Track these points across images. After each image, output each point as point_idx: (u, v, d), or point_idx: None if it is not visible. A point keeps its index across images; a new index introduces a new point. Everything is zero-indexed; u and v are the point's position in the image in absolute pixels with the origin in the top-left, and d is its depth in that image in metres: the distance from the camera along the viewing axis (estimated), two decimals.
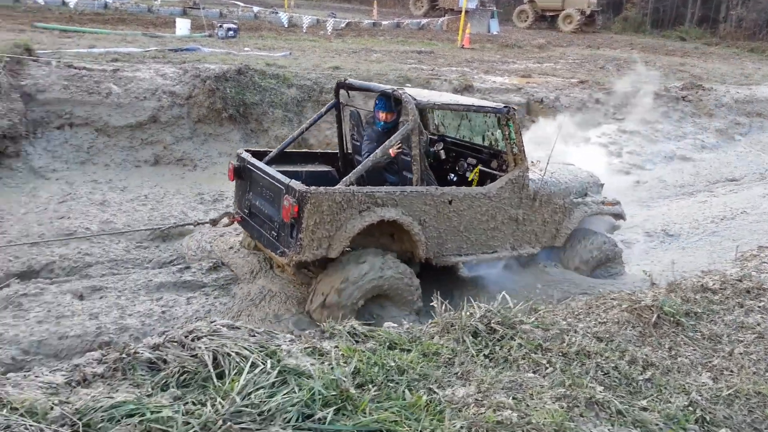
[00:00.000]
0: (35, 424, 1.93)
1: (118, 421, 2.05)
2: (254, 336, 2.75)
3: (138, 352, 2.52)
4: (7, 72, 7.60)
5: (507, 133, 5.09)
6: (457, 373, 2.58)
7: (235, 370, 2.41)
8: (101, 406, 2.12)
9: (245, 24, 15.76)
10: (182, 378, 2.39)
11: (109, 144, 7.80)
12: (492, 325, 2.88)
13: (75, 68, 8.32)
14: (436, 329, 2.89)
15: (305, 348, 2.63)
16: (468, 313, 2.92)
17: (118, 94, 7.95)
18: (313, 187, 4.32)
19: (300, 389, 2.28)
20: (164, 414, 2.11)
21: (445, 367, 2.62)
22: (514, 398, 2.45)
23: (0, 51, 7.97)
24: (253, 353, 2.53)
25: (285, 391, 2.28)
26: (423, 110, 5.46)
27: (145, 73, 8.41)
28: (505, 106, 5.08)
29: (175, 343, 2.62)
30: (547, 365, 2.83)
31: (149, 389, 2.31)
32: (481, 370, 2.63)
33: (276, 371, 2.40)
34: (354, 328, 2.84)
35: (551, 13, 29.01)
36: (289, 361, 2.53)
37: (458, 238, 4.98)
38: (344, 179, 4.56)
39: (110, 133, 7.83)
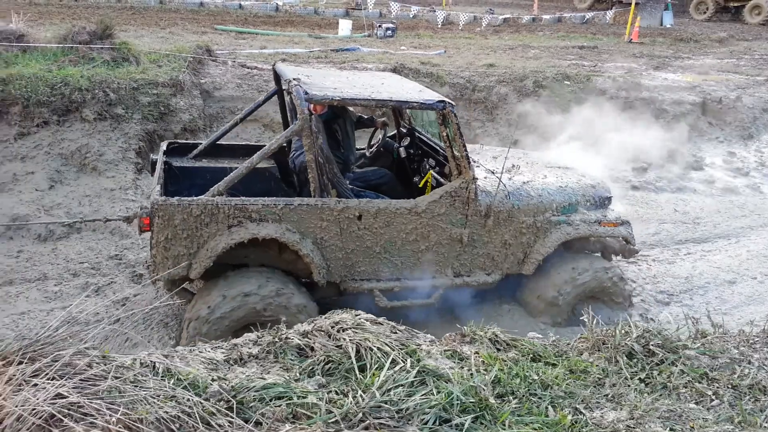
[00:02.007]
0: (196, 396, 2.11)
1: (268, 402, 2.18)
2: (395, 333, 2.78)
3: (289, 338, 2.66)
4: (190, 71, 8.46)
5: (445, 134, 4.20)
6: (607, 395, 2.39)
7: (377, 365, 2.45)
8: (254, 386, 2.26)
9: (403, 23, 16.10)
10: (327, 366, 2.48)
11: (272, 138, 8.37)
12: (651, 347, 2.64)
13: (247, 68, 9.05)
14: (586, 345, 2.71)
15: (445, 350, 2.61)
16: (623, 332, 2.70)
17: None
18: (164, 198, 3.84)
19: (438, 392, 2.26)
20: (309, 400, 2.21)
21: (594, 387, 2.45)
22: (671, 429, 2.23)
23: (185, 51, 8.90)
24: (393, 350, 2.56)
25: (423, 392, 2.27)
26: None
27: None
28: (439, 101, 4.13)
29: (322, 332, 2.73)
30: (713, 397, 2.53)
31: (297, 374, 2.43)
32: (635, 395, 2.42)
33: (415, 371, 2.40)
34: (496, 335, 2.75)
35: (736, 4, 26.13)
36: (429, 362, 2.52)
37: (375, 261, 4.25)
38: (213, 188, 3.95)
39: (275, 129, 8.39)
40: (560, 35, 16.82)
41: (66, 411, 1.58)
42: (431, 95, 4.29)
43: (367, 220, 4.12)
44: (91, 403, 1.62)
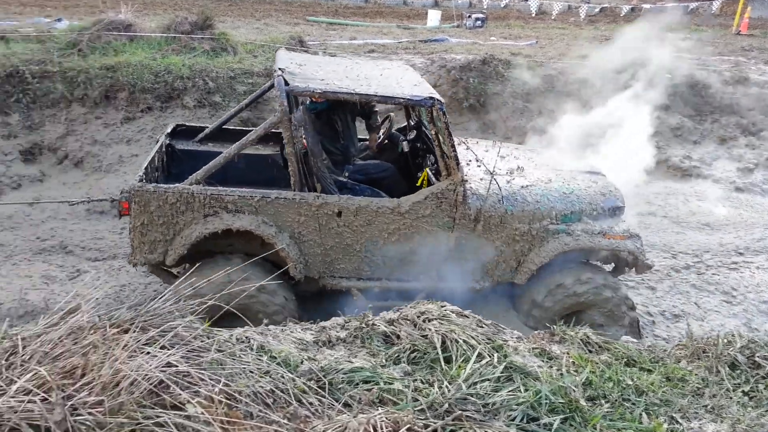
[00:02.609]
0: (289, 373, 2.19)
1: (356, 384, 2.23)
2: (482, 327, 2.76)
3: (376, 324, 2.71)
4: None
5: (434, 132, 4.04)
6: (706, 406, 2.27)
7: (462, 358, 2.44)
8: (342, 369, 2.32)
9: (493, 13, 15.83)
10: (413, 355, 2.51)
11: (360, 128, 8.48)
12: (756, 358, 2.48)
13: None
14: (684, 353, 2.58)
15: (533, 348, 2.57)
16: (726, 341, 2.55)
17: None
18: (141, 184, 3.87)
19: (526, 389, 2.23)
20: (395, 386, 2.24)
21: (693, 396, 2.33)
22: None
23: (279, 42, 9.17)
24: (480, 344, 2.54)
25: (510, 389, 2.24)
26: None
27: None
28: (428, 98, 3.92)
29: (408, 321, 2.76)
30: None
31: (383, 360, 2.47)
32: (738, 408, 2.28)
33: (502, 366, 2.38)
34: (587, 337, 2.67)
35: None
36: (516, 358, 2.49)
37: (355, 259, 4.14)
38: (191, 176, 3.96)
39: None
40: (661, 27, 15.92)
41: (174, 378, 1.68)
42: (423, 91, 4.06)
43: (347, 217, 4.03)
44: (197, 373, 1.72)
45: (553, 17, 16.37)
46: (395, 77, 4.41)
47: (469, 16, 13.82)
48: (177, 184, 3.95)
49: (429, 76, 8.64)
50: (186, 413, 1.69)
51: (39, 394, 1.63)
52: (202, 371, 1.82)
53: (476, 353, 2.46)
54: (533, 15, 16.64)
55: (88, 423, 1.55)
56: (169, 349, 1.76)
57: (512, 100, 8.72)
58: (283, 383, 2.12)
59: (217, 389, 1.76)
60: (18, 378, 1.72)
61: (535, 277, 4.32)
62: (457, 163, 3.98)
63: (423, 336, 2.60)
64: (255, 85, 7.93)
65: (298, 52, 5.42)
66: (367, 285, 4.24)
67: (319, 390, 2.14)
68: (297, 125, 3.99)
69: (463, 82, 8.52)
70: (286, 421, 1.86)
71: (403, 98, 3.92)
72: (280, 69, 4.03)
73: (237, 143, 4.05)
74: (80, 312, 2.00)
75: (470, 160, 4.58)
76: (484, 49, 10.13)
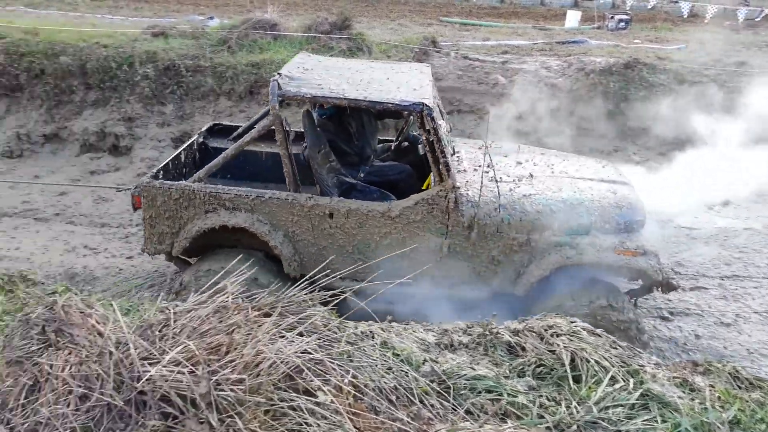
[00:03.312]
0: (413, 372, 2.20)
1: (479, 392, 2.19)
2: (615, 348, 2.61)
3: (500, 333, 2.64)
4: (415, 61, 8.79)
5: (425, 138, 3.89)
6: None
7: (593, 379, 2.32)
8: (465, 374, 2.29)
9: (638, 15, 14.91)
10: (538, 369, 2.42)
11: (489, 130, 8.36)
12: None
13: (469, 59, 9.12)
14: None
15: (673, 377, 2.38)
16: None
17: (503, 85, 8.43)
18: (149, 180, 4.14)
19: (663, 421, 2.07)
20: (520, 400, 2.17)
21: None
22: None
23: (412, 42, 9.26)
24: (613, 366, 2.40)
25: (645, 418, 2.10)
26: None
27: (531, 65, 8.70)
28: (416, 103, 3.83)
29: (534, 333, 2.67)
30: None
31: (507, 371, 2.40)
32: None
33: (638, 393, 2.23)
34: (736, 371, 2.43)
35: None
36: (654, 386, 2.31)
37: (349, 260, 4.07)
38: (196, 173, 4.19)
39: (490, 121, 8.38)
40: None
41: (308, 365, 1.74)
42: (417, 96, 3.97)
43: (338, 219, 4.07)
44: (329, 362, 1.77)
45: (706, 21, 15.11)
46: (399, 82, 4.36)
47: (612, 18, 13.12)
48: (181, 182, 4.21)
49: (565, 79, 8.33)
50: (317, 400, 1.75)
51: (187, 367, 1.76)
52: (333, 361, 1.87)
53: (609, 376, 2.32)
54: (684, 17, 15.46)
55: (229, 399, 1.65)
56: (305, 337, 1.83)
57: (656, 108, 8.16)
58: (406, 381, 2.13)
59: (346, 380, 1.80)
60: (169, 350, 1.87)
61: (538, 290, 4.13)
62: (448, 170, 3.93)
63: (550, 351, 2.50)
64: None
65: (318, 55, 5.47)
66: (361, 287, 4.19)
67: (442, 393, 2.13)
68: (287, 130, 4.09)
69: (602, 87, 8.11)
70: (409, 419, 1.86)
71: (392, 103, 3.93)
72: (277, 73, 4.14)
73: (235, 144, 4.28)
74: (226, 293, 2.14)
75: (480, 166, 4.37)
76: (627, 52, 9.57)
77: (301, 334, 1.84)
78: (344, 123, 4.90)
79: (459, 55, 9.35)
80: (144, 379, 1.66)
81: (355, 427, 1.73)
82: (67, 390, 1.79)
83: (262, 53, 8.55)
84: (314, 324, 1.93)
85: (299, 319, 1.87)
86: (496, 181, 4.19)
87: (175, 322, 2.03)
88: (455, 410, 2.05)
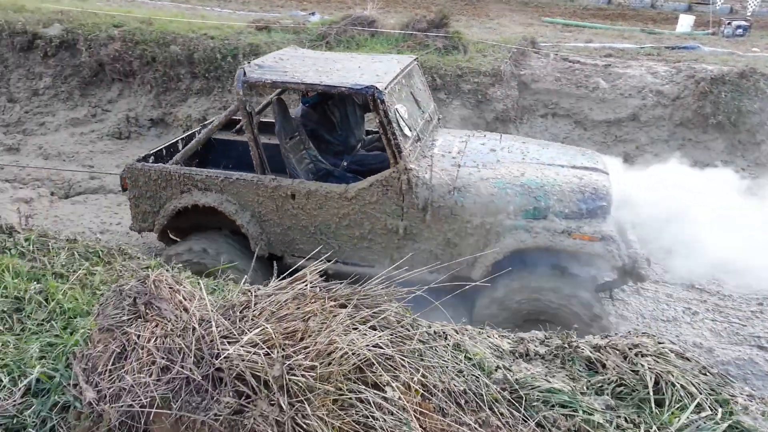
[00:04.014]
0: (484, 378, 2.15)
1: (552, 406, 2.11)
2: (705, 375, 2.44)
3: (580, 348, 2.54)
4: (512, 62, 8.61)
5: (378, 120, 3.95)
6: None
7: (678, 405, 2.18)
8: (539, 386, 2.21)
9: (760, 21, 13.84)
10: (618, 389, 2.30)
11: (583, 136, 8.06)
12: None
13: (569, 61, 8.82)
14: None
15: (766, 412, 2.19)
16: None
17: (604, 90, 8.08)
18: (132, 162, 4.49)
19: None
20: (596, 418, 2.08)
21: None
22: None
23: (511, 42, 9.07)
24: (701, 393, 2.24)
25: None
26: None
27: (635, 70, 8.29)
28: (367, 87, 3.92)
29: (617, 351, 2.54)
30: None
31: (584, 387, 2.30)
32: None
33: (725, 424, 2.08)
34: None
35: None
36: (744, 418, 2.14)
37: (312, 241, 4.31)
38: (175, 156, 4.52)
39: (587, 127, 8.07)
40: None
41: (379, 359, 1.74)
42: (373, 81, 4.01)
43: (300, 200, 4.22)
44: (400, 358, 1.76)
45: None
46: (368, 70, 4.39)
47: (729, 23, 12.25)
48: (159, 164, 4.51)
49: (672, 86, 7.87)
50: (384, 395, 1.75)
51: (264, 349, 1.81)
52: (404, 357, 1.86)
53: (695, 403, 2.17)
54: None
55: (300, 384, 1.69)
56: (377, 331, 1.83)
57: None
58: (476, 386, 2.09)
59: (416, 378, 1.79)
60: (248, 330, 1.93)
61: (498, 274, 4.00)
62: (400, 152, 3.99)
63: (633, 371, 2.37)
64: (480, 85, 7.97)
65: (305, 49, 5.54)
66: (324, 266, 4.15)
67: (513, 402, 2.07)
68: (253, 114, 4.26)
69: (713, 96, 7.59)
70: (477, 426, 1.83)
71: (345, 87, 4.02)
72: (247, 62, 4.41)
73: (204, 131, 4.63)
74: (305, 281, 2.18)
75: (449, 152, 4.47)
76: (744, 61, 8.90)
77: (374, 328, 1.84)
78: (327, 113, 5.09)
79: (558, 56, 9.07)
80: (222, 356, 1.73)
81: (420, 427, 1.71)
82: (150, 360, 1.89)
83: (358, 49, 8.67)
84: (387, 319, 1.93)
85: (373, 312, 1.88)
86: (458, 165, 4.20)
87: (255, 304, 2.09)
88: (526, 421, 1.99)
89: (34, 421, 1.91)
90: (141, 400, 1.76)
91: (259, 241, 4.37)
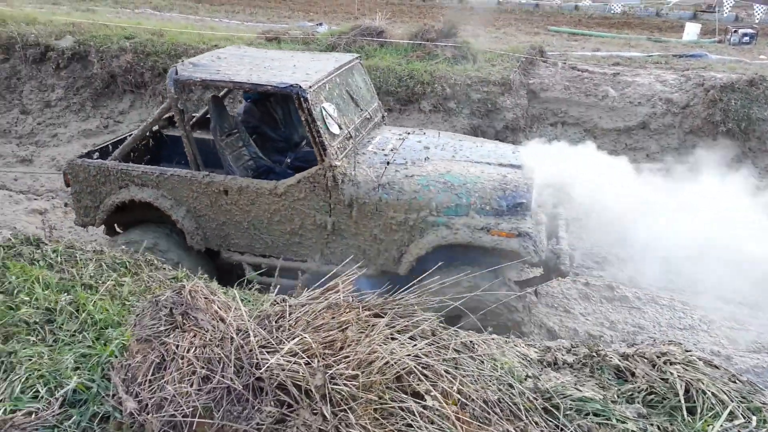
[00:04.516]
0: (519, 385, 2.16)
1: (586, 415, 2.12)
2: (734, 383, 2.44)
3: (608, 356, 2.55)
4: (520, 71, 8.65)
5: (303, 118, 4.05)
6: None
7: (710, 413, 2.19)
8: (570, 395, 2.22)
9: (766, 29, 13.88)
10: (649, 398, 2.31)
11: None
12: None
13: (578, 70, 8.86)
14: None
15: None
16: None
17: (613, 98, 8.11)
18: (73, 159, 4.58)
19: None
20: (629, 426, 2.09)
21: None
22: None
23: (518, 52, 9.12)
24: (732, 401, 2.25)
25: None
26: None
27: (644, 78, 8.32)
28: (291, 85, 4.02)
29: (645, 360, 2.55)
30: None
31: (615, 396, 2.31)
32: None
33: None
34: None
35: None
36: None
37: (247, 235, 4.42)
38: (113, 153, 4.62)
39: (597, 135, 8.09)
40: None
41: (419, 368, 1.76)
42: (301, 80, 4.12)
43: (232, 195, 4.29)
44: (439, 367, 1.78)
45: None
46: (302, 68, 4.52)
47: (735, 31, 12.29)
48: (97, 160, 4.62)
49: (682, 94, 7.90)
50: (425, 403, 1.76)
51: (303, 358, 1.83)
52: (441, 366, 1.88)
53: (727, 411, 2.18)
54: None
55: (342, 393, 1.70)
56: (416, 341, 1.85)
57: None
58: (510, 395, 2.10)
59: (454, 387, 1.80)
60: (286, 340, 1.95)
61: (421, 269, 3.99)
62: (324, 149, 4.06)
63: (663, 379, 2.38)
64: (489, 94, 8.01)
65: (249, 48, 5.61)
66: (256, 261, 4.45)
67: (549, 410, 2.08)
68: (183, 112, 4.36)
69: (722, 104, 7.61)
70: None
71: (270, 85, 4.12)
72: (181, 61, 4.56)
73: (140, 127, 4.77)
74: (338, 290, 2.20)
75: (382, 150, 4.55)
76: (752, 68, 8.93)
77: (412, 338, 1.86)
78: (270, 110, 5.19)
79: (567, 65, 9.11)
80: (264, 367, 1.74)
81: None
82: (191, 370, 1.91)
83: (368, 59, 8.72)
84: (423, 329, 1.94)
85: (412, 323, 1.89)
86: (387, 162, 4.30)
87: (290, 314, 2.11)
88: (561, 430, 2.00)
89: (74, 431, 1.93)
90: (183, 409, 1.78)
91: (195, 236, 4.46)
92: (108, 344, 2.35)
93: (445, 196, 4.12)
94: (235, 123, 4.84)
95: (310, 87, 4.06)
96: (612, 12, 16.46)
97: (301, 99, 4.00)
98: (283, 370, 1.80)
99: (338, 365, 1.75)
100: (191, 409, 1.79)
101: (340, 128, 4.31)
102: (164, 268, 3.23)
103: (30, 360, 2.26)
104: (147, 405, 1.86)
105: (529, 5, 17.05)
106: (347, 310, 2.07)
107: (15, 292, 2.67)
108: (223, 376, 1.85)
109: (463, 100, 7.99)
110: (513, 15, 15.77)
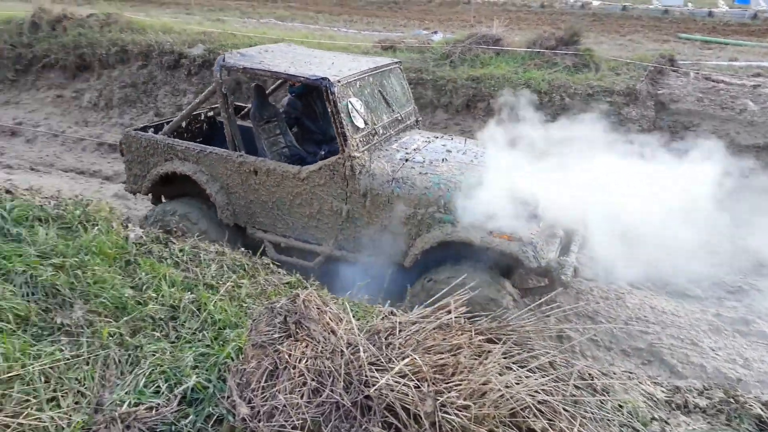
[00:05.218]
0: (643, 429, 1.98)
1: None
2: None
3: (748, 404, 2.28)
4: (647, 80, 8.12)
5: (330, 110, 4.29)
6: None
7: None
8: None
9: None
10: None
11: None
12: None
13: (712, 81, 8.17)
14: None
15: None
16: None
17: (752, 112, 7.40)
18: (127, 131, 5.06)
19: None
20: None
21: None
22: None
23: (646, 60, 8.57)
24: None
25: None
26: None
27: None
28: (321, 78, 4.27)
29: None
30: None
31: None
32: None
33: None
34: None
35: None
36: None
37: (270, 215, 4.71)
38: (164, 128, 5.04)
39: (733, 151, 7.40)
40: None
41: (536, 405, 1.64)
42: (330, 74, 4.33)
43: (260, 176, 4.57)
44: (557, 405, 1.65)
45: None
46: (336, 66, 4.72)
47: None
48: (148, 134, 5.02)
49: None
50: None
51: (413, 381, 1.77)
52: (559, 404, 1.75)
53: None
54: None
55: (453, 423, 1.63)
56: (534, 374, 1.73)
57: None
58: None
59: (575, 429, 1.67)
60: (395, 359, 1.90)
61: (424, 264, 4.32)
62: (346, 140, 4.25)
63: None
64: (613, 104, 7.59)
65: (298, 46, 5.79)
66: (276, 240, 4.73)
67: None
68: (226, 96, 4.67)
69: None
70: None
71: (302, 77, 4.39)
72: (231, 50, 4.89)
73: (186, 109, 5.12)
74: (449, 310, 2.13)
75: (406, 148, 4.68)
76: None
77: (531, 371, 1.75)
78: (311, 103, 5.50)
79: (700, 75, 8.44)
80: (374, 387, 1.71)
81: None
82: (301, 381, 1.92)
83: (483, 68, 8.58)
84: (542, 362, 1.82)
85: (530, 355, 1.78)
86: (406, 160, 4.47)
87: (400, 332, 2.07)
88: None
89: (189, 431, 2.00)
90: (293, 421, 1.78)
91: (225, 210, 4.78)
92: (225, 345, 2.43)
93: (453, 194, 4.27)
94: (275, 112, 5.21)
95: (338, 81, 4.31)
96: (752, 18, 15.10)
97: (328, 91, 4.25)
98: (392, 390, 1.76)
99: (449, 392, 1.67)
100: (300, 421, 1.80)
101: (366, 123, 4.53)
102: (279, 272, 3.31)
103: (154, 355, 2.38)
104: (259, 412, 1.88)
105: (657, 11, 16.04)
106: (459, 332, 1.99)
107: (144, 287, 2.84)
108: (332, 391, 1.84)
109: (583, 111, 7.62)
110: (639, 21, 14.90)
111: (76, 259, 2.86)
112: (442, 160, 4.54)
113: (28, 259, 2.76)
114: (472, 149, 4.85)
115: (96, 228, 3.21)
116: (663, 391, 2.44)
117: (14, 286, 2.56)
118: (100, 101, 9.97)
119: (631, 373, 2.55)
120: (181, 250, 3.23)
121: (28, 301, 2.51)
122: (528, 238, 4.12)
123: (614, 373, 2.51)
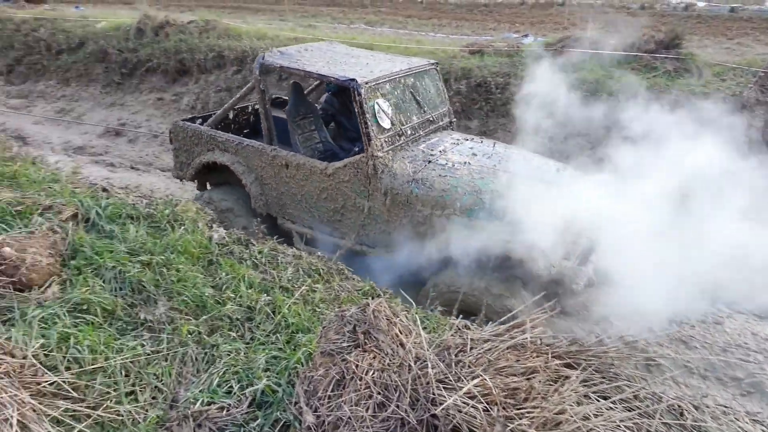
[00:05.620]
0: None
1: None
2: None
3: None
4: (757, 87, 7.51)
5: (356, 110, 4.36)
6: None
7: None
8: None
9: None
10: None
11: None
12: None
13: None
14: None
15: None
16: None
17: None
18: (176, 121, 5.41)
19: None
20: None
21: None
22: None
23: (755, 65, 7.94)
24: None
25: None
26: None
27: None
28: (349, 79, 4.36)
29: None
30: None
31: None
32: None
33: None
34: None
35: None
36: None
37: (298, 207, 4.88)
38: (209, 120, 5.35)
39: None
40: None
41: None
42: (360, 75, 4.43)
43: (291, 170, 4.74)
44: None
45: None
46: (370, 66, 4.80)
47: None
48: (194, 124, 5.28)
49: None
50: None
51: (482, 403, 1.69)
52: None
53: None
54: None
55: None
56: (613, 405, 1.60)
57: None
58: None
59: None
60: (464, 378, 1.83)
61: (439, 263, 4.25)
62: (369, 139, 4.32)
63: None
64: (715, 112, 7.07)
65: (339, 44, 5.87)
66: (302, 230, 4.88)
67: None
68: (264, 92, 4.82)
69: None
70: None
71: (333, 77, 4.50)
72: (272, 48, 5.11)
73: (228, 103, 5.33)
74: (524, 329, 2.03)
75: (432, 150, 4.69)
76: None
77: (613, 403, 1.62)
78: (347, 102, 5.59)
79: None
80: (441, 407, 1.64)
81: None
82: (367, 393, 1.88)
83: (575, 72, 8.26)
84: (625, 395, 1.68)
85: (613, 386, 1.65)
86: (428, 161, 4.50)
87: (471, 349, 1.99)
88: None
89: None
90: None
91: (259, 200, 5.01)
92: (297, 350, 2.44)
93: (470, 198, 4.27)
94: (312, 108, 5.40)
95: (366, 83, 4.40)
96: None
97: (355, 92, 4.35)
98: (460, 411, 1.68)
99: (520, 419, 1.58)
100: None
101: (392, 124, 4.61)
102: (353, 278, 3.31)
103: (228, 355, 2.43)
104: (324, 422, 1.86)
105: (722, 10, 14.87)
106: (534, 354, 1.88)
107: (223, 287, 2.92)
108: (398, 406, 1.79)
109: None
110: (749, 23, 13.86)
111: (163, 257, 2.98)
112: (465, 163, 4.56)
113: (118, 255, 2.90)
114: (498, 153, 4.85)
115: (182, 227, 3.34)
116: (763, 430, 2.21)
117: (104, 281, 2.70)
118: (197, 104, 10.47)
119: (726, 407, 2.32)
120: (260, 252, 3.29)
121: (116, 296, 2.64)
122: (539, 245, 4.04)
123: (707, 406, 2.30)
